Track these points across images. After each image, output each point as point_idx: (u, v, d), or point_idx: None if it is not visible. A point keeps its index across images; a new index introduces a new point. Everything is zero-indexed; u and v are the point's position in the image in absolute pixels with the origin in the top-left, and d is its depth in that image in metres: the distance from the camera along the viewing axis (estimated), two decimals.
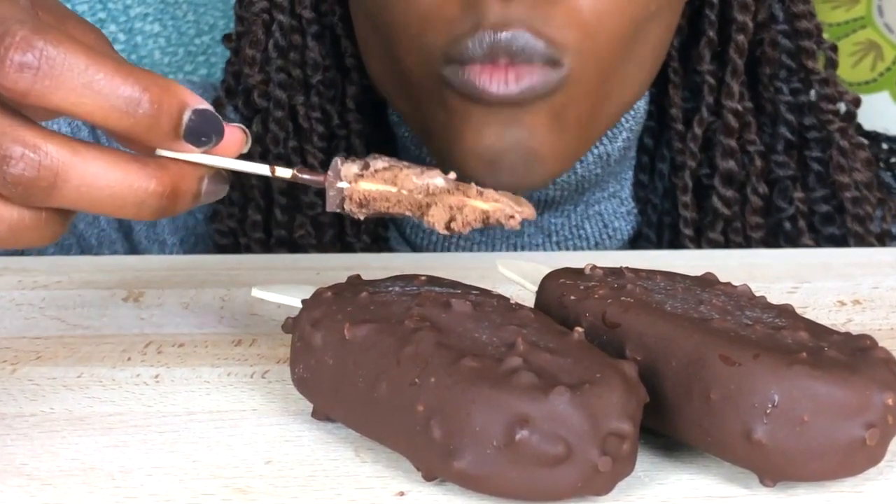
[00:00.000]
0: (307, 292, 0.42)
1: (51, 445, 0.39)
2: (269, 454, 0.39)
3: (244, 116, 0.73)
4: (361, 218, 0.40)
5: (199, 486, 0.37)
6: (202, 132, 0.37)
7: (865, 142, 0.73)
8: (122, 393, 0.44)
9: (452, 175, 0.40)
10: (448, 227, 0.39)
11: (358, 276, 0.43)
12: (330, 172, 0.39)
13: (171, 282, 0.57)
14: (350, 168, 0.39)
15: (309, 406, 0.41)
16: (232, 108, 0.73)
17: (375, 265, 0.61)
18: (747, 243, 0.71)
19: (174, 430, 0.41)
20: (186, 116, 0.37)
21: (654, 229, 0.73)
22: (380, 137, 0.74)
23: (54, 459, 0.39)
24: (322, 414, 0.40)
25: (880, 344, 0.37)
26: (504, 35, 0.56)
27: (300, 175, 0.40)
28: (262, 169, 0.40)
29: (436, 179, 0.39)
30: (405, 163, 0.40)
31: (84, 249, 0.74)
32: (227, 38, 0.76)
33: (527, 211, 0.39)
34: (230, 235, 0.72)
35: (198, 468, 0.38)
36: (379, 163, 0.39)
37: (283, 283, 0.46)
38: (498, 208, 0.39)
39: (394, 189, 0.39)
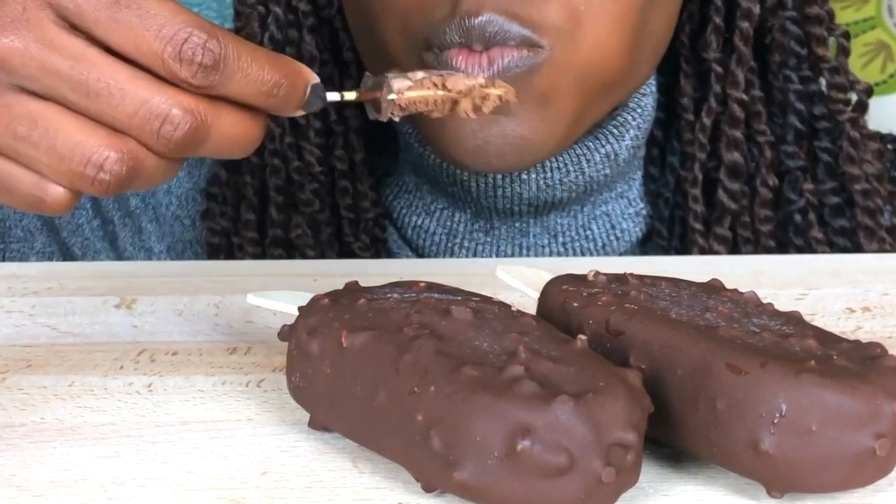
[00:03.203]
0: (304, 299, 0.41)
1: (41, 456, 0.39)
2: (264, 465, 0.38)
3: None
4: (397, 119, 0.45)
5: (194, 497, 0.36)
6: (313, 103, 0.43)
7: (876, 133, 0.73)
8: (115, 402, 0.43)
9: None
10: (476, 111, 0.46)
11: (356, 283, 0.42)
12: (385, 89, 0.44)
13: (164, 288, 0.57)
14: (403, 82, 0.44)
15: (305, 416, 0.40)
16: None
17: (374, 271, 0.60)
18: (756, 237, 0.70)
19: (168, 440, 0.40)
20: (308, 92, 0.43)
21: (666, 224, 0.72)
22: (379, 132, 0.73)
23: (45, 470, 0.38)
24: (319, 424, 0.40)
25: (890, 352, 0.37)
26: (477, 20, 0.56)
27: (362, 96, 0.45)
28: (332, 96, 0.44)
29: (479, 78, 0.46)
30: (443, 70, 0.46)
31: (67, 259, 0.73)
32: None
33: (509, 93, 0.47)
34: (222, 235, 0.72)
35: (192, 479, 0.37)
36: (419, 73, 0.45)
37: (280, 290, 0.46)
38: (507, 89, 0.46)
39: (433, 92, 0.45)
